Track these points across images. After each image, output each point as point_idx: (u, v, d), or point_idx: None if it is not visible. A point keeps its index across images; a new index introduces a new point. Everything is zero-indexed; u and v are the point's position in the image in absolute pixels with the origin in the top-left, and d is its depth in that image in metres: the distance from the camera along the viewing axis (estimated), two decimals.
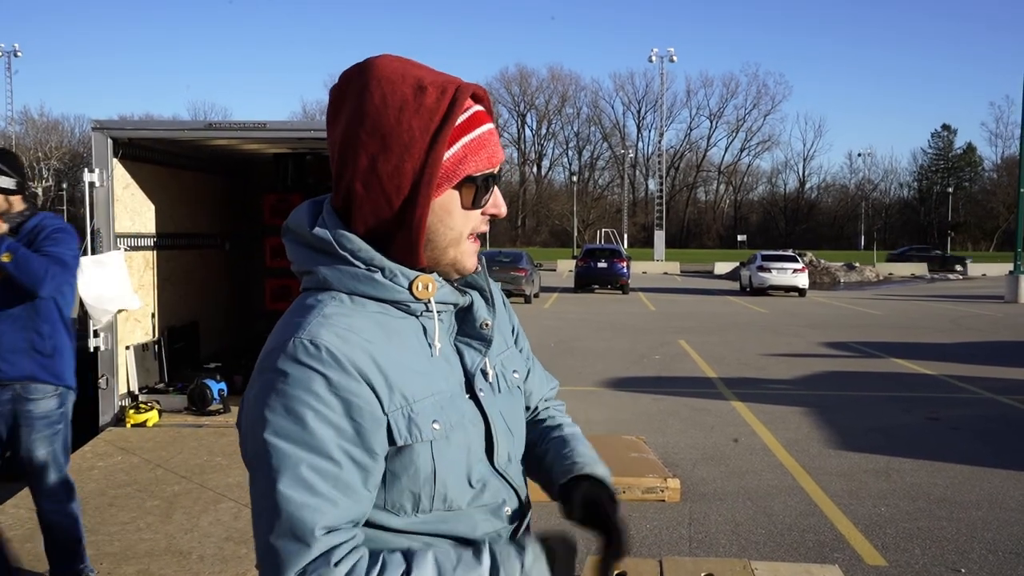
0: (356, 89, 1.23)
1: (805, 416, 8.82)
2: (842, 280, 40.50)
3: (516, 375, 1.43)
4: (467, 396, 1.30)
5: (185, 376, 7.16)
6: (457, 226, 1.25)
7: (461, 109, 1.23)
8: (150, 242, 7.31)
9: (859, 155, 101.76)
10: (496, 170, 1.27)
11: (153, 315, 7.33)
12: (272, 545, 1.13)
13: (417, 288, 1.24)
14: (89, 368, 6.43)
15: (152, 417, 6.41)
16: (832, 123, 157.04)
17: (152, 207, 7.29)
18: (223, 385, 6.77)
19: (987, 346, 15.30)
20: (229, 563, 4.06)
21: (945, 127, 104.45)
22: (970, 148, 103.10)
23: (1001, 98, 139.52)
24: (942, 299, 28.84)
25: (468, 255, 1.28)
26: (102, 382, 6.37)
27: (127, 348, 6.72)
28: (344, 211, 1.25)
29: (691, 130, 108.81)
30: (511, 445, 1.37)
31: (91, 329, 6.30)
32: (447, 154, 1.21)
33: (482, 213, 1.27)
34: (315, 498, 1.14)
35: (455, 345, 1.32)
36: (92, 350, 6.32)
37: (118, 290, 6.19)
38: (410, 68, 1.25)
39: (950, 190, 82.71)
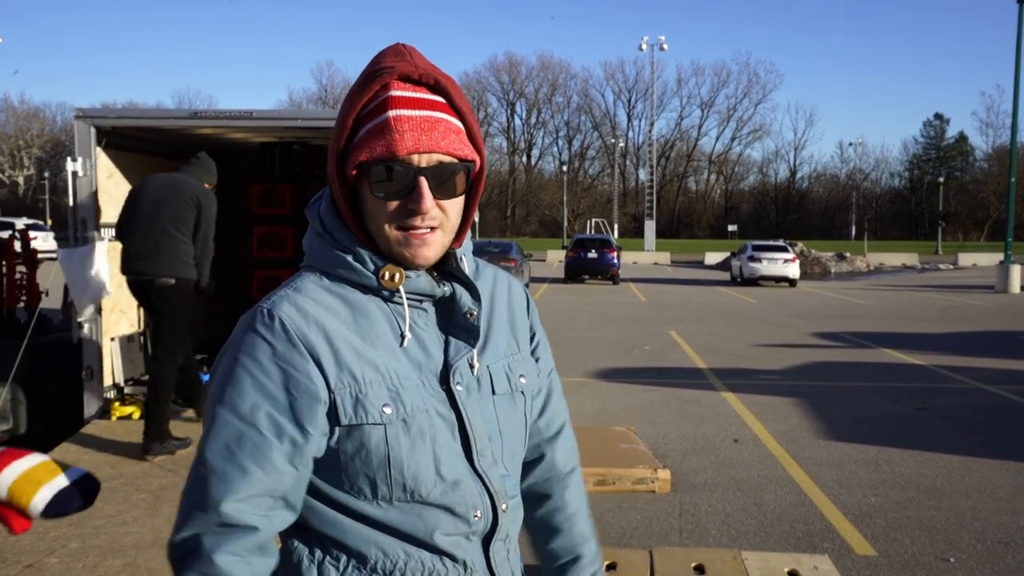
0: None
1: (795, 406, 8.83)
2: (833, 270, 40.64)
3: (523, 380, 1.39)
4: (440, 388, 1.29)
5: None
6: (374, 215, 1.24)
7: (369, 92, 1.21)
8: None
9: (850, 145, 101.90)
10: (404, 159, 1.20)
11: (138, 306, 7.27)
12: (182, 502, 1.19)
13: (384, 277, 1.25)
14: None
15: (138, 410, 6.36)
16: (823, 112, 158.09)
17: None
18: (209, 377, 6.73)
19: (977, 336, 15.35)
20: None
21: (938, 116, 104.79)
22: (962, 138, 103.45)
23: (992, 87, 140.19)
24: (933, 289, 28.95)
25: (402, 247, 1.24)
26: (87, 374, 6.31)
27: (112, 340, 6.67)
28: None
29: (682, 119, 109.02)
30: (499, 448, 1.33)
31: (75, 320, 6.24)
32: (353, 139, 1.23)
33: (400, 208, 1.22)
34: (230, 465, 1.17)
35: (444, 336, 1.31)
36: (76, 341, 6.26)
37: (100, 280, 6.12)
38: (384, 57, 1.25)
39: (941, 180, 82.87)
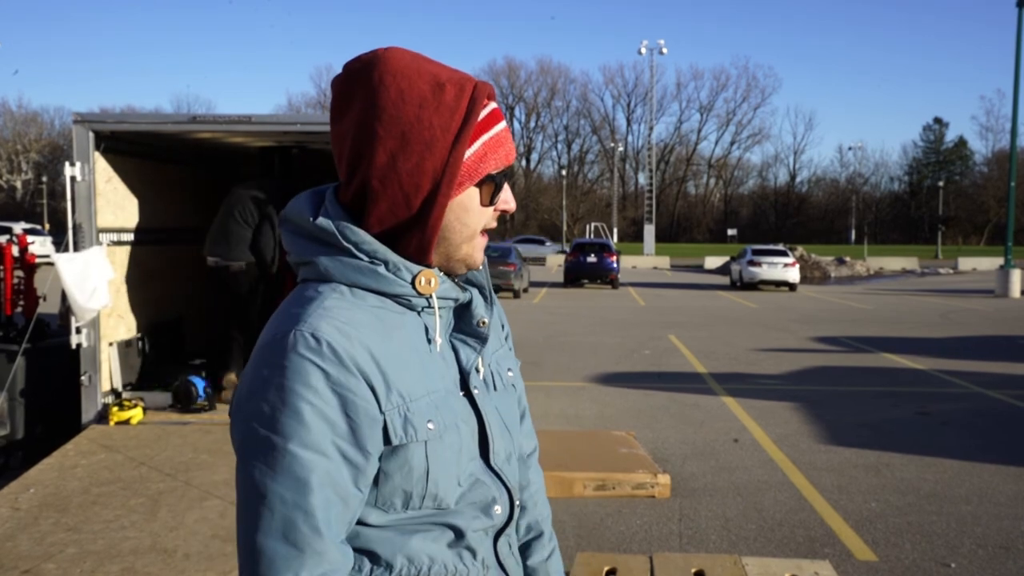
0: (368, 82, 1.20)
1: (795, 411, 8.82)
2: (832, 274, 40.65)
3: (510, 373, 1.43)
4: (461, 394, 1.30)
5: (169, 373, 7.10)
6: (472, 223, 1.25)
7: (481, 107, 1.23)
8: (133, 237, 7.23)
9: (850, 149, 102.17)
10: (509, 166, 1.28)
11: (136, 311, 7.26)
12: (260, 544, 1.11)
13: (420, 283, 1.23)
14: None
15: (136, 414, 6.34)
16: (822, 116, 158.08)
17: (135, 201, 7.21)
18: (208, 382, 6.71)
19: (977, 340, 15.34)
20: (215, 561, 4.02)
21: (937, 120, 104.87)
22: (961, 142, 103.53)
23: (992, 92, 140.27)
24: (932, 293, 28.95)
25: (479, 250, 1.29)
26: (85, 379, 6.29)
27: (110, 345, 6.65)
28: (355, 206, 1.24)
29: (681, 123, 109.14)
30: (508, 443, 1.37)
31: (73, 325, 6.23)
32: (468, 152, 1.22)
33: (495, 210, 1.28)
34: (311, 499, 1.12)
35: (451, 342, 1.32)
36: (74, 346, 6.25)
37: (98, 286, 6.11)
38: (423, 63, 1.24)
39: (941, 184, 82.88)
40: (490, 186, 1.24)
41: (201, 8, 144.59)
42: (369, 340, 1.18)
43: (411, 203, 1.20)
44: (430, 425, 1.22)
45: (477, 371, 1.33)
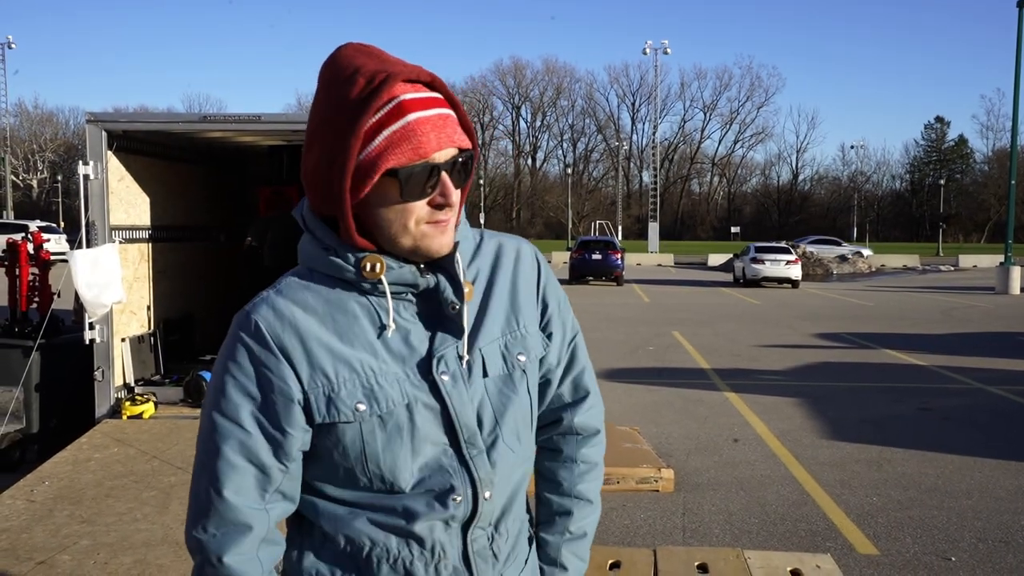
0: (319, 84, 1.28)
1: (798, 407, 8.87)
2: (835, 272, 40.58)
3: (522, 358, 1.37)
4: (428, 379, 1.29)
5: (181, 368, 7.17)
6: (397, 219, 1.24)
7: (382, 100, 1.21)
8: (145, 234, 7.31)
9: (852, 147, 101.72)
10: (431, 159, 1.22)
11: (148, 307, 7.33)
12: (190, 499, 1.28)
13: (365, 268, 1.26)
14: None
15: (148, 409, 6.42)
16: (825, 115, 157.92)
17: (147, 199, 7.28)
18: None
19: (978, 337, 15.37)
20: None
21: (938, 119, 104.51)
22: (962, 140, 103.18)
23: (992, 91, 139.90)
24: (934, 290, 28.93)
25: (431, 238, 1.26)
26: (98, 374, 6.37)
27: (123, 340, 6.73)
28: None
29: (685, 122, 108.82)
30: (497, 431, 1.34)
31: (87, 321, 6.31)
32: (369, 148, 1.21)
33: (428, 203, 1.24)
34: (222, 463, 1.24)
35: (430, 327, 1.31)
36: (88, 342, 6.33)
37: (110, 283, 6.19)
38: (359, 59, 1.25)
39: (942, 182, 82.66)
40: (395, 182, 1.22)
41: (213, 9, 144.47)
42: (304, 322, 1.26)
43: (326, 198, 1.25)
44: (360, 407, 1.25)
45: (459, 355, 1.30)
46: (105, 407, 6.42)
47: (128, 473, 5.25)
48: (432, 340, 1.30)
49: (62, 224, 53.31)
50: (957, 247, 71.90)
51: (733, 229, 79.87)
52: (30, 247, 6.89)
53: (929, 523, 5.43)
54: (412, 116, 1.21)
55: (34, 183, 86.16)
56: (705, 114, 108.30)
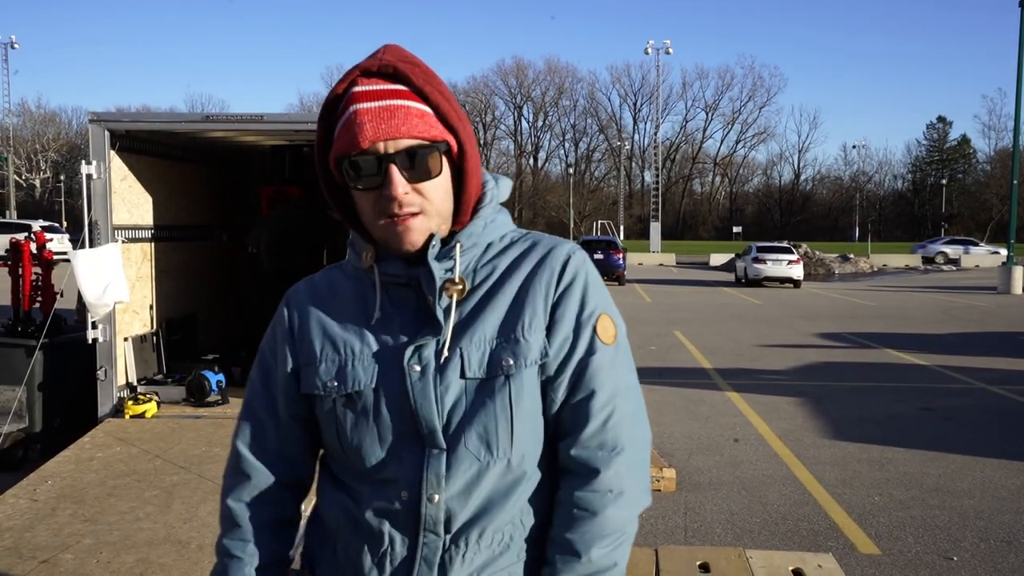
0: None
1: (799, 406, 8.88)
2: (836, 271, 40.57)
3: (510, 363, 1.29)
4: (399, 368, 1.30)
5: (183, 367, 7.19)
6: (363, 211, 1.30)
7: (335, 92, 1.28)
8: (148, 234, 7.32)
9: (854, 147, 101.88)
10: (369, 150, 1.24)
11: (151, 307, 7.34)
12: None
13: (363, 256, 1.34)
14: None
15: (151, 408, 6.43)
16: (827, 115, 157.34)
17: (149, 199, 7.30)
18: (221, 376, 6.79)
19: (980, 337, 15.36)
20: None
21: (940, 119, 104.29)
22: (964, 140, 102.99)
23: (994, 91, 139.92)
24: (935, 290, 28.91)
25: (389, 235, 1.28)
26: (101, 373, 6.39)
27: (125, 340, 6.74)
28: None
29: (687, 122, 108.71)
30: (459, 434, 1.28)
31: (89, 321, 6.32)
32: (332, 138, 1.29)
33: (382, 195, 1.25)
34: (240, 419, 1.44)
35: (416, 319, 1.32)
36: (91, 341, 6.34)
37: (113, 282, 6.20)
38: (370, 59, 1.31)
39: (944, 182, 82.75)
40: (342, 170, 1.27)
41: (214, 9, 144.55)
42: (312, 302, 1.39)
43: (321, 184, 1.35)
44: (334, 383, 1.32)
45: (439, 350, 1.29)
46: (108, 406, 6.43)
47: (130, 472, 5.26)
48: (415, 332, 1.31)
49: (65, 224, 53.40)
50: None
51: (735, 229, 79.84)
52: (33, 247, 6.90)
53: (931, 523, 5.43)
54: (353, 107, 1.25)
55: (37, 183, 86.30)
56: (707, 114, 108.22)
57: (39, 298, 6.90)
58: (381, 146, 1.23)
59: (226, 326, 8.79)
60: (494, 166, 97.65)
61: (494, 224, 1.37)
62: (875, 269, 43.80)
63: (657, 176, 72.31)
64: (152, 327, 7.30)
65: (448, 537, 1.29)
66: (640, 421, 1.37)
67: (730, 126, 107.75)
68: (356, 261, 1.36)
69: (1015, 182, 28.37)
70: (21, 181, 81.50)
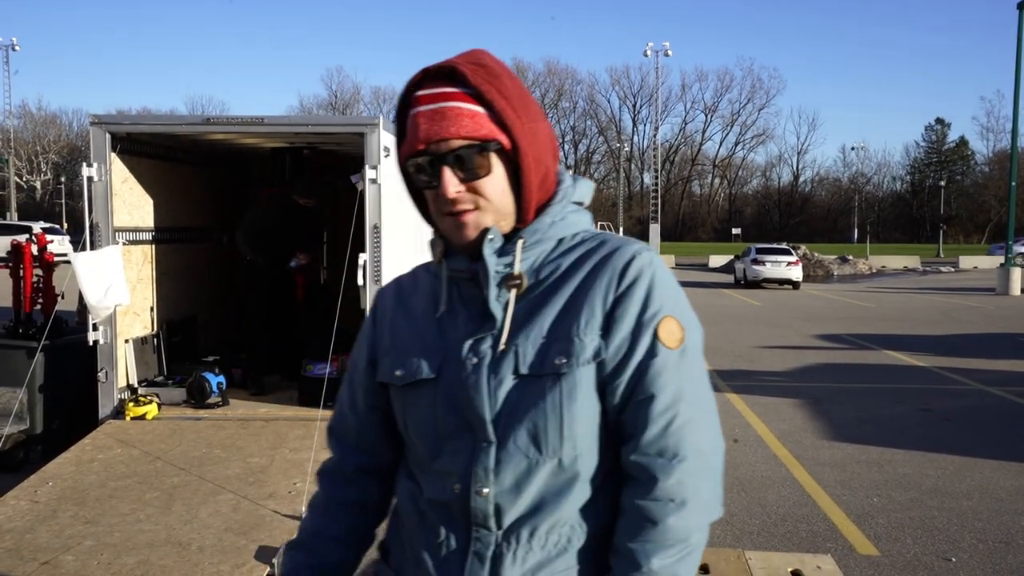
0: None
1: (798, 407, 8.89)
2: (835, 273, 40.59)
3: (561, 361, 1.28)
4: (458, 361, 1.33)
5: (184, 369, 7.19)
6: (430, 205, 1.35)
7: (401, 97, 1.34)
8: (148, 236, 7.33)
9: (852, 149, 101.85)
10: (424, 150, 1.29)
11: (152, 309, 7.35)
12: None
13: (434, 252, 1.41)
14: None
15: (151, 410, 6.44)
16: (826, 117, 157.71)
17: (150, 201, 7.30)
18: (221, 378, 6.79)
19: (979, 338, 15.38)
20: (228, 554, 4.08)
21: (939, 121, 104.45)
22: (962, 142, 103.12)
23: (992, 93, 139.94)
24: (934, 291, 28.93)
25: (448, 230, 1.34)
26: (101, 375, 6.39)
27: (126, 341, 6.75)
28: None
29: (686, 124, 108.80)
30: (508, 430, 1.29)
31: (90, 323, 6.33)
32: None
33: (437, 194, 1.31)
34: (334, 409, 1.56)
35: (478, 313, 1.35)
36: (91, 343, 6.35)
37: (114, 284, 6.21)
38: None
39: (942, 184, 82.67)
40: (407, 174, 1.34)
41: (215, 11, 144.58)
42: (392, 299, 1.47)
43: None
44: (398, 372, 1.38)
45: (495, 346, 1.31)
46: (108, 408, 6.44)
47: (131, 474, 5.26)
48: (477, 326, 1.34)
49: (66, 226, 53.40)
50: (957, 248, 71.92)
51: (734, 230, 79.89)
52: (34, 249, 6.91)
53: (929, 524, 5.45)
54: (413, 111, 1.31)
55: (38, 185, 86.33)
56: (706, 116, 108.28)
57: (40, 300, 6.91)
58: (435, 147, 1.28)
59: (226, 328, 8.79)
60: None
61: (564, 222, 1.37)
62: (874, 270, 43.83)
63: (656, 178, 72.27)
64: (153, 329, 7.31)
65: (500, 533, 1.29)
66: (706, 429, 1.31)
67: (729, 128, 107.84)
68: (433, 255, 1.42)
69: (1013, 184, 28.41)
70: (22, 183, 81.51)
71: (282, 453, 5.59)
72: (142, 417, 6.38)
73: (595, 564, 1.31)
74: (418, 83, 1.31)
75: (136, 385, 6.81)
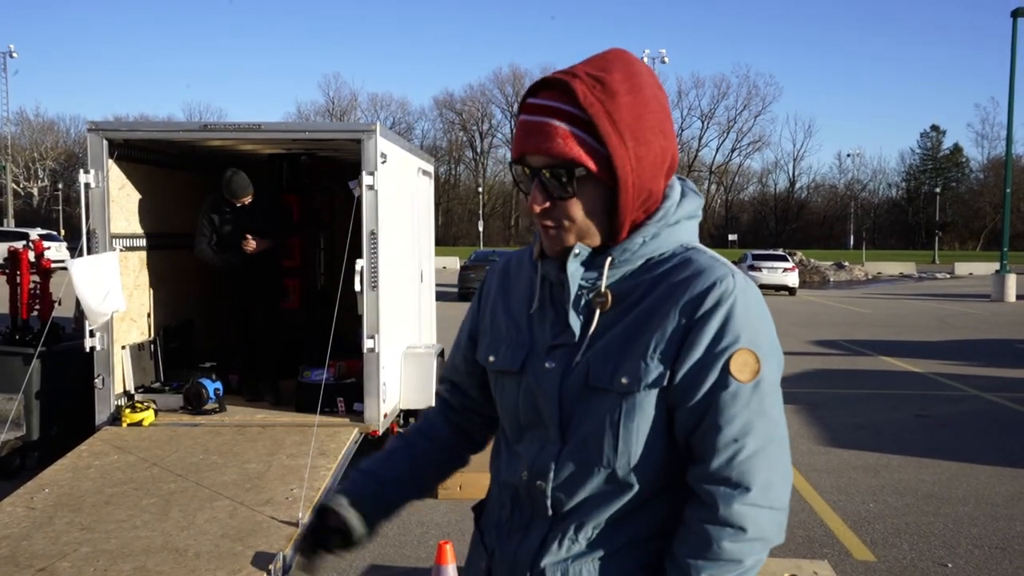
0: None
1: (795, 413, 8.90)
2: (831, 279, 40.66)
3: (624, 382, 1.30)
4: (539, 360, 1.40)
5: (180, 375, 7.18)
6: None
7: (523, 98, 1.36)
8: (145, 242, 7.32)
9: (848, 155, 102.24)
10: (520, 161, 1.33)
11: (149, 315, 7.34)
12: None
13: (534, 248, 1.47)
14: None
15: (148, 416, 6.43)
16: (822, 124, 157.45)
17: (147, 207, 7.29)
18: (218, 384, 6.78)
19: (974, 344, 15.42)
20: (225, 560, 4.08)
21: (934, 128, 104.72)
22: (957, 149, 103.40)
23: (987, 100, 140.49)
24: (930, 297, 28.99)
25: (542, 238, 1.38)
26: (98, 382, 6.38)
27: (123, 348, 6.74)
28: None
29: (682, 130, 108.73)
30: (569, 435, 1.36)
31: (87, 329, 6.32)
32: None
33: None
34: (448, 357, 1.69)
35: (566, 319, 1.38)
36: (88, 349, 6.35)
37: (110, 291, 6.21)
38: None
39: (938, 190, 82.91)
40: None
41: (212, 16, 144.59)
42: (501, 279, 1.54)
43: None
44: (490, 358, 1.48)
45: (574, 354, 1.36)
46: (105, 414, 6.42)
47: (128, 480, 5.25)
48: (559, 331, 1.39)
49: (63, 232, 53.35)
50: (953, 254, 72.11)
51: (731, 237, 79.83)
52: (31, 255, 6.91)
53: (926, 529, 5.46)
54: (520, 117, 1.34)
55: (35, 191, 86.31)
56: (703, 122, 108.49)
57: (37, 306, 6.90)
58: (530, 159, 1.31)
59: (223, 334, 8.78)
60: (491, 174, 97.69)
61: (655, 240, 1.35)
62: (870, 277, 43.91)
63: None
64: (149, 335, 7.30)
65: (552, 520, 1.40)
66: (774, 461, 1.32)
67: (725, 134, 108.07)
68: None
69: (1008, 190, 28.51)
70: (19, 189, 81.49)
71: (279, 459, 5.59)
72: (139, 423, 6.37)
73: (628, 566, 1.37)
74: (535, 89, 1.32)
75: (133, 391, 6.80)
